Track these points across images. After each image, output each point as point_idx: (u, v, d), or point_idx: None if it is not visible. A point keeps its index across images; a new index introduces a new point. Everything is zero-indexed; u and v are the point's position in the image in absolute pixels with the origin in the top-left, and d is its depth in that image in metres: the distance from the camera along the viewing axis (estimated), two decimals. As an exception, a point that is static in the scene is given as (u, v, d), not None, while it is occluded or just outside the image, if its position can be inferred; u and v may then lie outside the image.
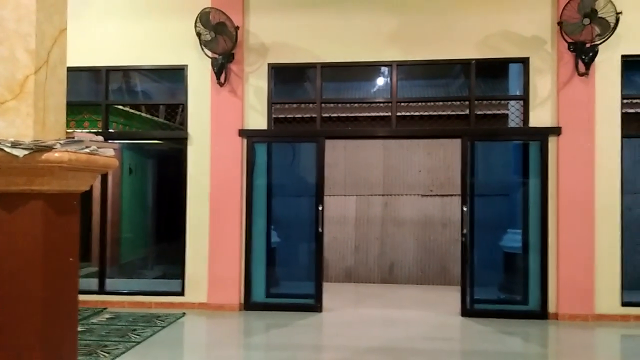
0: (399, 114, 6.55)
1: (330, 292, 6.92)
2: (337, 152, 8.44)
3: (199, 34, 6.08)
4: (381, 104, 6.91)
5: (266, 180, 6.53)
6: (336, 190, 8.46)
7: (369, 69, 7.16)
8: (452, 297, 6.52)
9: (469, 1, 6.22)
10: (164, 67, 6.62)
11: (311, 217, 6.34)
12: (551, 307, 5.93)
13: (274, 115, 6.61)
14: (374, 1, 6.32)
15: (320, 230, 6.23)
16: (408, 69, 6.58)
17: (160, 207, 8.72)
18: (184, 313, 6.10)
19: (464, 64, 6.29)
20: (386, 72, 6.75)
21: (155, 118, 8.01)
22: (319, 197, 6.28)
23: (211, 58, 6.18)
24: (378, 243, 8.50)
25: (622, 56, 5.90)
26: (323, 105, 6.54)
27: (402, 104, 6.70)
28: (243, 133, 6.35)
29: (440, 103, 7.38)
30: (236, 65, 6.31)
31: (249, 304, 6.29)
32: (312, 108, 6.60)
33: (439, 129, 7.31)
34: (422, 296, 7.45)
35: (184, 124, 6.50)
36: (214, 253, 6.28)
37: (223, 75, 6.24)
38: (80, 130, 6.40)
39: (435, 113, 7.60)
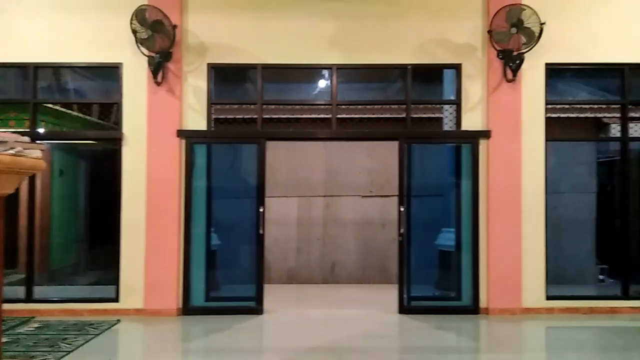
0: (339, 116, 6.65)
1: (272, 294, 6.91)
2: (278, 153, 8.44)
3: (134, 32, 5.90)
4: (322, 106, 6.99)
5: (206, 182, 6.42)
6: (278, 192, 8.46)
7: (310, 72, 7.23)
8: (391, 295, 6.68)
9: (406, 8, 6.41)
10: (97, 65, 6.37)
11: (252, 219, 6.31)
12: (482, 302, 6.22)
13: (213, 116, 6.53)
14: (315, 5, 6.38)
15: (261, 232, 6.21)
16: (348, 72, 6.69)
17: (93, 210, 8.35)
18: (119, 320, 5.88)
19: (401, 68, 6.47)
20: (327, 75, 6.83)
21: (88, 117, 7.68)
22: (260, 199, 6.26)
23: (148, 56, 6.01)
24: (320, 244, 8.58)
25: (546, 64, 6.28)
26: (264, 106, 6.52)
27: (343, 106, 6.82)
28: (181, 134, 6.22)
29: (379, 106, 7.56)
30: (174, 64, 6.18)
31: (187, 309, 6.17)
32: (253, 109, 6.58)
33: (378, 131, 7.49)
34: (362, 295, 7.59)
35: (118, 123, 6.28)
36: (150, 257, 6.11)
37: (160, 74, 6.09)
38: (4, 130, 6.03)
39: (374, 116, 7.77)
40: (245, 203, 6.65)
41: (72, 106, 7.59)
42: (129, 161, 6.21)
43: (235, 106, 7.44)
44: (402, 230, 6.23)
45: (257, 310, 6.20)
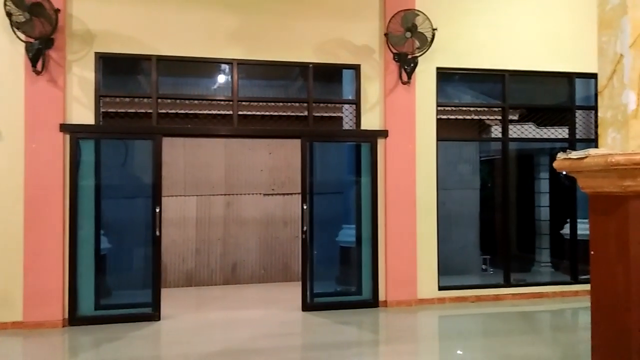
0: (240, 113, 6.51)
1: (170, 298, 6.60)
2: (175, 150, 8.07)
3: (9, 14, 5.28)
4: (222, 102, 6.79)
5: (94, 181, 5.94)
6: (175, 191, 8.09)
7: (210, 66, 6.98)
8: (294, 293, 6.69)
9: (308, 7, 6.43)
10: (-38, 49, 5.61)
11: (147, 220, 5.96)
12: (381, 296, 6.45)
13: (102, 110, 6.06)
14: (213, -3, 6.17)
15: (157, 233, 5.88)
16: (249, 68, 6.56)
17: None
18: (-8, 336, 5.24)
19: (303, 66, 6.49)
20: (227, 70, 6.65)
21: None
22: (156, 198, 5.92)
23: (25, 42, 5.41)
24: (220, 244, 8.34)
25: (437, 68, 6.67)
26: (160, 100, 6.19)
27: (244, 103, 6.68)
28: (65, 128, 5.68)
29: (281, 104, 7.51)
30: (56, 52, 5.62)
31: (74, 319, 5.66)
32: (148, 103, 6.21)
33: (280, 129, 7.45)
34: (264, 294, 7.52)
35: (-11, 116, 5.59)
36: (30, 264, 5.51)
37: (40, 63, 5.51)
38: None
39: (276, 113, 7.71)
40: (140, 203, 6.26)
41: None
42: (3, 159, 5.54)
43: (128, 100, 6.95)
44: (304, 228, 6.26)
45: (154, 316, 5.86)
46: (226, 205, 8.38)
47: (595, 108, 7.27)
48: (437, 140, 6.68)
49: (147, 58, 6.03)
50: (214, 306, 6.85)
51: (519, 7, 6.95)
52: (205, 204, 8.30)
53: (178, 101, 7.16)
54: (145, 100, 6.33)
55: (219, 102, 6.89)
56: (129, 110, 6.99)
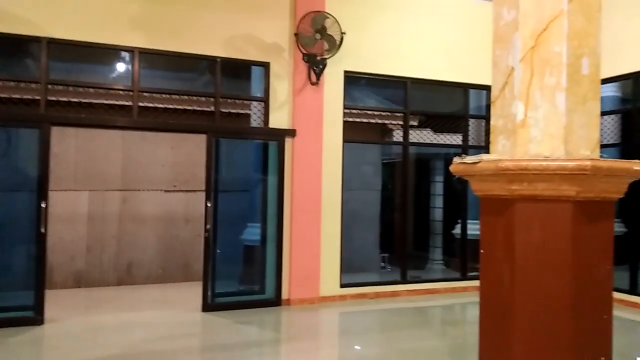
0: (141, 104, 6.17)
1: (56, 301, 6.09)
2: (66, 141, 7.45)
3: None
4: (122, 92, 6.38)
5: (-32, 172, 5.31)
6: (65, 185, 7.46)
7: (109, 53, 6.51)
8: (194, 293, 6.48)
9: (217, -1, 6.27)
10: None
11: (31, 216, 5.43)
12: (284, 294, 6.46)
13: (-20, 93, 5.43)
14: (115, -22, 5.79)
15: (42, 230, 5.38)
16: (152, 58, 6.24)
17: None
18: None
19: (210, 60, 6.31)
20: (127, 58, 6.26)
21: None
22: (42, 193, 5.41)
23: None
24: (115, 242, 7.84)
25: (345, 71, 6.82)
26: (50, 86, 5.68)
27: (145, 94, 6.34)
28: None
29: (186, 97, 7.24)
30: None
31: (-62, 326, 5.01)
32: (36, 89, 5.67)
33: (185, 123, 7.16)
34: (162, 295, 7.20)
35: None
36: None
37: None
38: None
39: (180, 107, 7.41)
40: (23, 197, 5.71)
41: None
42: None
43: (12, 84, 6.28)
44: (208, 226, 6.08)
45: (37, 320, 5.36)
46: (122, 202, 7.90)
47: (485, 117, 7.88)
48: (344, 141, 6.83)
49: (37, 40, 5.51)
50: (105, 308, 6.42)
51: (423, 18, 7.33)
52: (99, 200, 7.76)
53: (71, 88, 6.62)
54: (33, 85, 5.77)
55: (117, 91, 6.47)
56: (13, 96, 6.33)
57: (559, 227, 2.33)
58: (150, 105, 6.93)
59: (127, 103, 6.30)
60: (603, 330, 2.43)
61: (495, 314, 2.53)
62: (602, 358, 2.39)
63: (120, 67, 6.79)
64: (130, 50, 5.92)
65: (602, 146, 2.87)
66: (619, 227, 6.85)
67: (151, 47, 5.96)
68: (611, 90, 7.39)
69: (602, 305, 2.43)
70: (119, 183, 7.88)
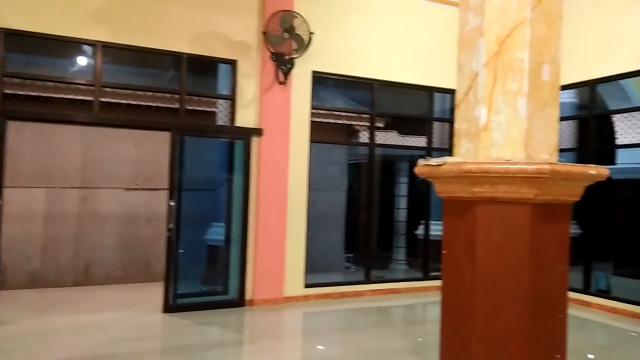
0: (103, 99, 6.00)
1: (8, 302, 5.86)
2: (22, 136, 7.16)
3: None
4: (82, 87, 6.19)
5: None
6: (19, 181, 7.17)
7: (70, 46, 6.29)
8: (155, 294, 6.34)
9: (183, -6, 6.16)
10: None
11: (-17, 213, 5.20)
12: (248, 295, 6.40)
13: None
14: (76, -31, 5.60)
15: (-5, 228, 5.16)
16: (115, 53, 6.07)
17: None
18: None
19: (176, 56, 6.19)
20: (90, 52, 6.08)
21: None
22: (-4, 189, 5.19)
23: None
24: (72, 241, 7.59)
25: (313, 72, 6.82)
26: (6, 79, 5.45)
27: (108, 89, 6.16)
28: None
29: (150, 93, 7.07)
30: None
31: None
32: (-10, 80, 5.43)
33: (148, 120, 6.98)
34: (122, 296, 7.02)
35: None
36: None
37: None
38: None
39: (144, 103, 7.23)
40: (-26, 194, 5.44)
41: None
42: None
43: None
44: (170, 226, 5.96)
45: (-13, 323, 5.14)
46: (81, 200, 7.66)
47: (449, 120, 8.03)
48: (310, 142, 6.83)
49: (-8, 29, 5.28)
50: (62, 309, 6.21)
51: (390, 21, 7.40)
52: (56, 197, 7.50)
53: (29, 82, 6.37)
54: (-13, 76, 5.52)
55: (78, 86, 6.27)
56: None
57: (518, 228, 2.39)
58: (113, 101, 6.75)
59: (88, 98, 6.11)
60: (558, 328, 2.51)
61: (456, 314, 2.58)
62: (558, 356, 2.47)
63: (82, 60, 6.58)
64: (93, 43, 5.76)
65: (560, 151, 2.97)
66: (574, 229, 7.11)
67: (115, 41, 5.81)
68: (569, 96, 7.67)
69: (558, 304, 2.51)
70: (78, 180, 7.63)
